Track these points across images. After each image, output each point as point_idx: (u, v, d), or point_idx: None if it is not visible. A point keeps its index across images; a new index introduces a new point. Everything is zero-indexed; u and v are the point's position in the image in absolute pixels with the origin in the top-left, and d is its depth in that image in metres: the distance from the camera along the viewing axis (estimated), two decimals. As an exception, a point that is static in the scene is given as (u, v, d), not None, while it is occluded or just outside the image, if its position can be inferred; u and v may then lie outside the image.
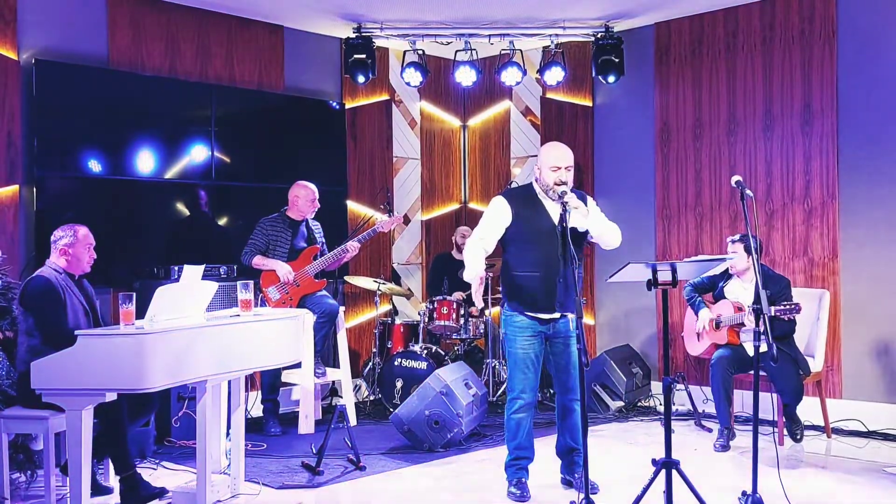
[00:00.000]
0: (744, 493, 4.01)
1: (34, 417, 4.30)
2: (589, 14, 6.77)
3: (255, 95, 6.88)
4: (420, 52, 7.13)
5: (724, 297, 5.71)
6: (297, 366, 5.78)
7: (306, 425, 6.06)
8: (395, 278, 7.82)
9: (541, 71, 7.21)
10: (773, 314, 5.06)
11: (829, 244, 6.23)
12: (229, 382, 4.73)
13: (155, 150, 6.29)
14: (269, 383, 6.16)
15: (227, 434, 4.81)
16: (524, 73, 7.14)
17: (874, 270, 6.04)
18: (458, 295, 7.01)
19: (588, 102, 7.52)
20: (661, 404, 6.51)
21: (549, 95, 7.76)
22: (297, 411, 6.20)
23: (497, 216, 4.52)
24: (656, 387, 6.87)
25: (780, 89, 6.44)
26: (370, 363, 7.14)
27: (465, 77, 7.21)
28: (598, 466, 4.79)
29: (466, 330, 6.90)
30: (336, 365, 6.60)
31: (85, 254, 4.53)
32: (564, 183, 4.35)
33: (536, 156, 5.37)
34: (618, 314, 7.34)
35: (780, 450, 5.43)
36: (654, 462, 3.90)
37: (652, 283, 3.93)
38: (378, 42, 7.12)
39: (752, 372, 5.07)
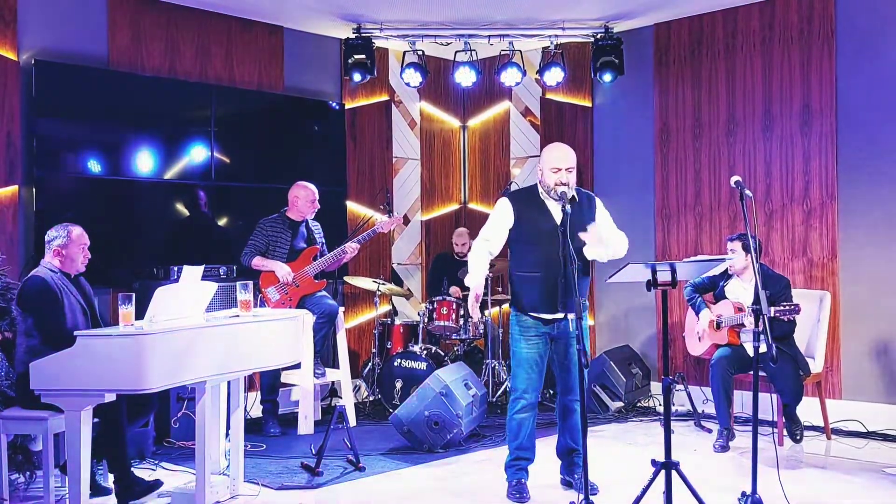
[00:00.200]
0: (743, 494, 4.01)
1: (33, 418, 4.30)
2: (588, 15, 6.77)
3: (254, 96, 6.88)
4: (420, 52, 7.13)
5: (725, 297, 5.71)
6: (297, 366, 5.77)
7: (306, 426, 6.06)
8: (394, 279, 7.82)
9: (540, 71, 7.20)
10: (772, 315, 5.06)
11: (828, 244, 6.23)
12: (228, 383, 4.72)
13: (154, 150, 6.28)
14: (269, 384, 6.16)
15: (227, 435, 4.80)
16: (524, 73, 7.14)
17: (874, 271, 6.04)
18: (455, 290, 7.01)
19: (587, 103, 7.52)
20: (660, 405, 6.50)
21: (549, 96, 7.76)
22: (297, 412, 6.19)
23: (500, 218, 4.56)
24: (656, 387, 6.86)
25: (780, 89, 6.44)
26: (370, 364, 7.13)
27: (465, 77, 7.21)
28: (597, 467, 4.78)
29: (466, 330, 6.89)
30: (335, 365, 6.60)
31: (79, 254, 4.52)
32: (565, 184, 4.37)
33: (536, 156, 5.36)
34: (617, 314, 7.34)
35: (780, 450, 5.43)
36: (653, 463, 3.89)
37: (651, 284, 3.93)
38: (378, 42, 7.12)
39: (752, 372, 5.06)
